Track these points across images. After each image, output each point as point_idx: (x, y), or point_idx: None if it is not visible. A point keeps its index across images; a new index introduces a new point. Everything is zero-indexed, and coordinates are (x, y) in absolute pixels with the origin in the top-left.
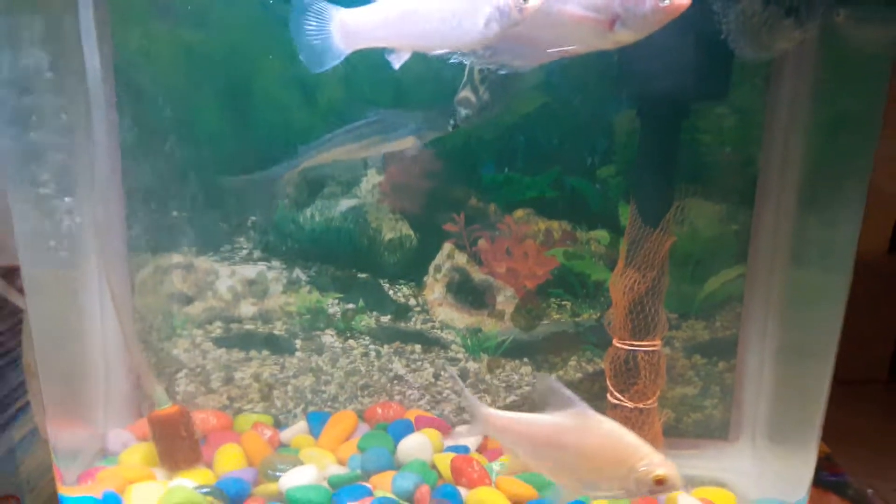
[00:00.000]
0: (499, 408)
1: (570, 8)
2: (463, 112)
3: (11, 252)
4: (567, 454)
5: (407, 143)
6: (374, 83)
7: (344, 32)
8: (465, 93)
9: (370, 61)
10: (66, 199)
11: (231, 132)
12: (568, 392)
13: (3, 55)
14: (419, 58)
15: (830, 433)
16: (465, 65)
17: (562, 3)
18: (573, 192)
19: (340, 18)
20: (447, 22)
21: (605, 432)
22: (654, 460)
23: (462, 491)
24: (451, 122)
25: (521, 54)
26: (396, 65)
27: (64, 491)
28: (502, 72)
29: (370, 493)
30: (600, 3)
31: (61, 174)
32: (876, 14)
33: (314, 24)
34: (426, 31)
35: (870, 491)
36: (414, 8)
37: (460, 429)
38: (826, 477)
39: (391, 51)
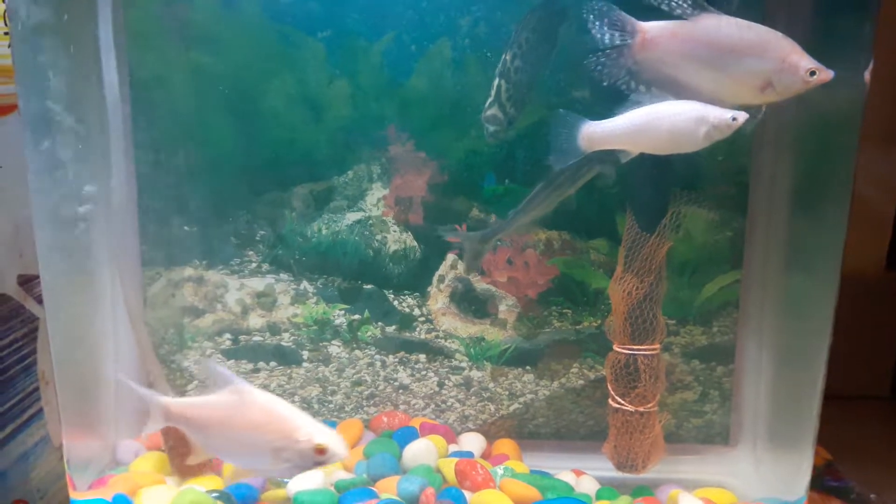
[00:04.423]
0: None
1: (734, 72)
2: (491, 128)
3: (29, 261)
4: (231, 431)
5: (593, 174)
6: (380, 101)
7: (588, 138)
8: (493, 110)
9: (374, 82)
10: (85, 213)
11: (243, 149)
12: (223, 370)
13: (30, 75)
14: (425, 77)
15: (834, 448)
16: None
17: (731, 68)
18: (572, 202)
19: (587, 128)
20: (674, 134)
21: (262, 405)
22: (312, 430)
23: (466, 494)
24: None
25: (688, 96)
26: (624, 160)
27: (75, 495)
28: None
29: (376, 497)
30: (757, 71)
31: (80, 189)
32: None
33: (565, 130)
34: (656, 141)
35: (873, 495)
36: (648, 123)
37: (463, 437)
38: (829, 482)
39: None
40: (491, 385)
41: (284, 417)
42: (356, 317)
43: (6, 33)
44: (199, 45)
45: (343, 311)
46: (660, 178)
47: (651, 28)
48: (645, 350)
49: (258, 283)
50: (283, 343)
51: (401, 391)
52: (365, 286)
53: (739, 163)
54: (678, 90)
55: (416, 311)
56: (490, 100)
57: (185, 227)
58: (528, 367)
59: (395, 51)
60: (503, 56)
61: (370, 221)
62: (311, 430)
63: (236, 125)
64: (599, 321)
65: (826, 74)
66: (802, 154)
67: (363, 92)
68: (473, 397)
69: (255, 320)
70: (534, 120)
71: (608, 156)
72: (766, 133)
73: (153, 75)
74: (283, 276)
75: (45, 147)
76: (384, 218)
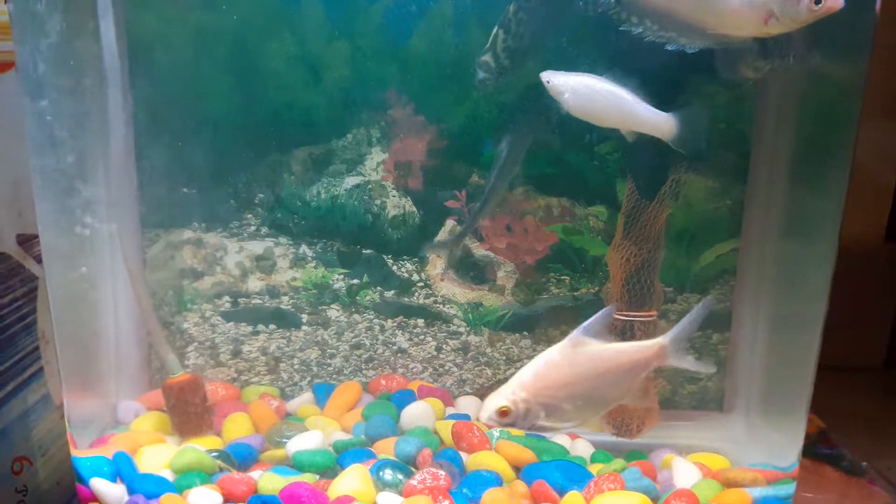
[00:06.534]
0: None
1: (733, 2)
2: (481, 75)
3: (28, 220)
4: None
5: (528, 142)
6: (379, 63)
7: None
8: (486, 57)
9: (374, 43)
10: (84, 174)
11: (242, 110)
12: None
13: (27, 33)
14: (426, 38)
15: (828, 418)
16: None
17: None
18: (572, 168)
19: None
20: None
21: None
22: None
23: (463, 455)
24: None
25: (687, 33)
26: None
27: (77, 453)
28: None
29: (374, 457)
30: (758, 1)
31: (79, 150)
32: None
33: None
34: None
35: (864, 463)
36: None
37: (460, 400)
38: (821, 449)
39: None
40: (488, 350)
41: None
42: (355, 281)
43: None
44: (198, 3)
45: (342, 276)
46: (660, 145)
47: None
48: (642, 317)
49: (257, 247)
50: (282, 306)
51: (399, 355)
52: (364, 251)
53: (740, 130)
54: (674, 23)
55: (415, 277)
56: (486, 47)
57: (184, 189)
58: (525, 333)
59: (396, 11)
60: (507, 7)
61: (369, 186)
62: None
63: (235, 86)
64: (597, 288)
65: (835, 2)
66: (804, 122)
67: (362, 53)
68: (471, 362)
69: (255, 283)
70: (536, 82)
71: (540, 124)
72: (767, 100)
73: (151, 34)
74: (283, 239)
75: (42, 105)
76: (383, 182)
